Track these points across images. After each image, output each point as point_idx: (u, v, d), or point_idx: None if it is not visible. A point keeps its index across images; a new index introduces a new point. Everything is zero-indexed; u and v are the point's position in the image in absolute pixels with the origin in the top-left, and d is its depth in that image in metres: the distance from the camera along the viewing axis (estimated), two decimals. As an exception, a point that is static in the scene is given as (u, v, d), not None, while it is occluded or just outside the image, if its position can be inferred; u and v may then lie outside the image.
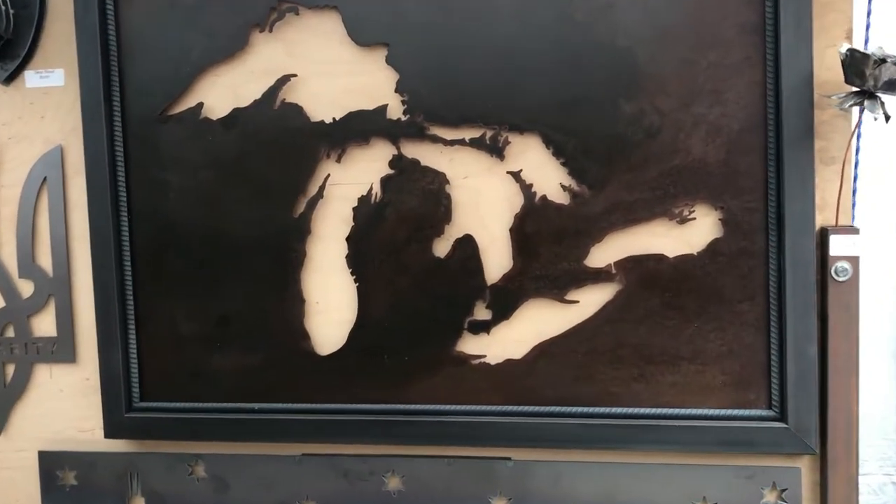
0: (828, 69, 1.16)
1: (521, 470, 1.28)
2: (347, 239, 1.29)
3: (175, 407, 1.36)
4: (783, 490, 1.21)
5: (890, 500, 1.42)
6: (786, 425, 1.18)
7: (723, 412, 1.21)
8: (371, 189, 1.28)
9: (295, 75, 1.29)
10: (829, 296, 1.16)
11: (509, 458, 1.29)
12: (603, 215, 1.22)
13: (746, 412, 1.20)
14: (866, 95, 1.06)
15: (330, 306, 1.31)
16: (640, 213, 1.22)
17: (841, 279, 1.15)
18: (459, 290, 1.27)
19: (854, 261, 1.15)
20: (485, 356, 1.28)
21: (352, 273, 1.30)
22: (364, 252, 1.29)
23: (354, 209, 1.29)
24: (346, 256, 1.30)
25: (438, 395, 1.29)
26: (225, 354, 1.34)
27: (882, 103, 1.06)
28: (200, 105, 1.32)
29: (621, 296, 1.23)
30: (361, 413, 1.31)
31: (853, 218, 1.20)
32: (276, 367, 1.33)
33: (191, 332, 1.35)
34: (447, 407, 1.29)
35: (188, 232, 1.34)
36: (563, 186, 1.23)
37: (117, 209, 1.34)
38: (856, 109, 1.13)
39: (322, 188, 1.29)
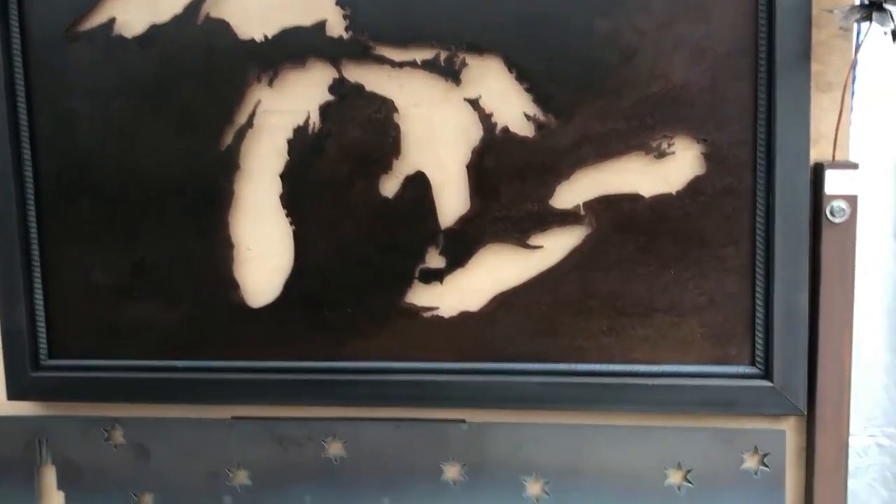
0: (825, -18, 1.03)
1: (478, 433, 1.16)
2: (282, 176, 1.14)
3: (88, 365, 1.21)
4: (765, 455, 1.10)
5: (874, 462, 1.33)
6: (770, 383, 1.07)
7: (701, 369, 1.09)
8: (308, 118, 1.12)
9: (220, -15, 1.12)
10: (823, 239, 1.04)
11: (464, 421, 1.16)
12: (571, 149, 1.08)
13: (727, 369, 1.09)
14: (875, 7, 0.93)
15: (262, 252, 1.16)
16: (614, 146, 1.08)
17: (837, 220, 1.03)
18: (410, 234, 1.13)
19: (852, 200, 1.03)
20: (437, 308, 1.14)
21: (287, 215, 1.15)
22: (301, 191, 1.14)
23: (289, 141, 1.13)
24: (281, 196, 1.14)
25: (385, 352, 1.15)
26: (144, 306, 1.19)
27: (893, 16, 0.93)
28: (112, 21, 1.14)
29: (591, 240, 1.10)
30: (299, 371, 1.17)
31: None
32: (202, 320, 1.18)
33: (105, 282, 1.19)
34: (395, 364, 1.15)
35: (100, 168, 1.17)
36: (527, 116, 1.09)
37: (18, 143, 1.17)
38: (855, 29, 1.00)
39: (252, 117, 1.13)
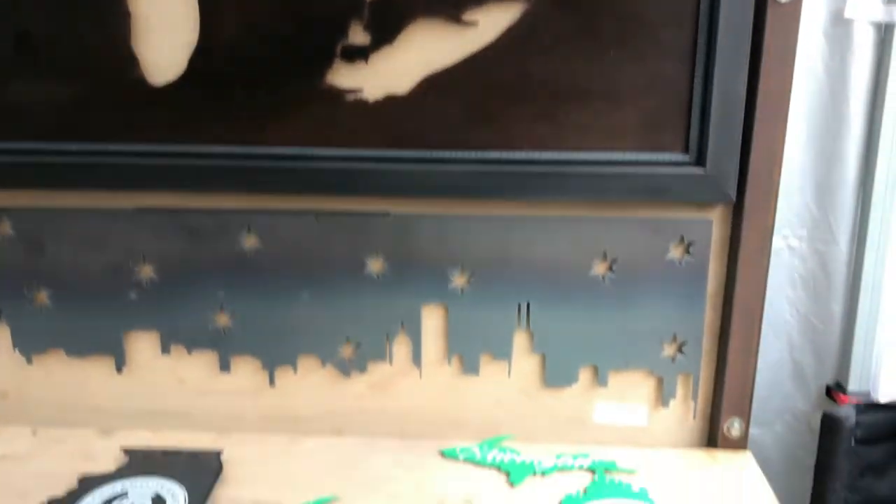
0: None
1: (402, 225, 1.11)
2: (184, -68, 1.01)
3: (-32, 149, 1.08)
4: (690, 244, 1.10)
5: (784, 263, 1.36)
6: (703, 170, 1.05)
7: (634, 157, 1.06)
8: None
9: None
10: (768, 21, 0.99)
11: (388, 213, 1.11)
12: (512, -89, 0.99)
13: (660, 156, 1.06)
14: None
15: (164, 23, 1.04)
16: (557, -90, 0.99)
17: (784, -1, 0.99)
18: (330, 5, 1.02)
19: (800, -23, 0.99)
20: (361, 90, 1.05)
21: (191, -21, 1.02)
22: (207, -50, 1.01)
23: None
24: (184, -45, 1.02)
25: (304, 137, 1.07)
26: (31, 83, 1.06)
27: None
28: None
29: (528, 17, 1.02)
30: (209, 157, 1.08)
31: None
32: (97, 98, 1.06)
33: (-18, 56, 1.06)
34: (314, 151, 1.07)
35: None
36: None
37: None
38: None
39: None
